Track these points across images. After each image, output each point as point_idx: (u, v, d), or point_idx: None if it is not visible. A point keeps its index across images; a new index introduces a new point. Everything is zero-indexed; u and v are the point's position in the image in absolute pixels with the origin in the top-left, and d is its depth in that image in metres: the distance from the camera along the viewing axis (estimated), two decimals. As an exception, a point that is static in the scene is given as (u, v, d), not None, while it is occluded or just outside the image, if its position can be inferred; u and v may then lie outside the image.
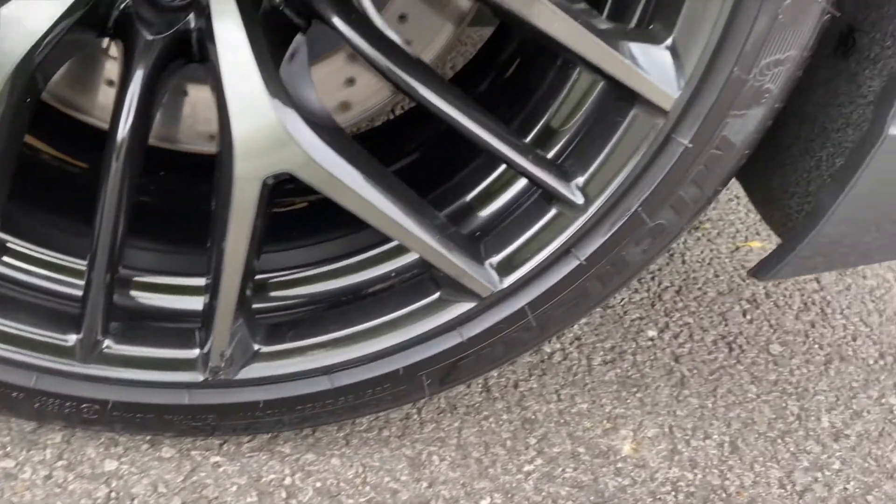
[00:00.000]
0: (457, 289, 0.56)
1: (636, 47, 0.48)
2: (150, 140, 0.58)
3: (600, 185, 0.53)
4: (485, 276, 0.55)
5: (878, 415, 0.79)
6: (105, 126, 0.60)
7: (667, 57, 0.48)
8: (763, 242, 1.05)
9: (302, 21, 0.53)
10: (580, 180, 0.53)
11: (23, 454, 0.64)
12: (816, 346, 0.90)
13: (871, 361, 0.88)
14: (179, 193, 0.69)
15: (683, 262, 0.97)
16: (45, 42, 0.49)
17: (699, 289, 0.94)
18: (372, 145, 0.62)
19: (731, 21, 0.46)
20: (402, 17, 0.63)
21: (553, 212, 0.55)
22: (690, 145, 0.51)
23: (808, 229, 0.59)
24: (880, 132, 0.54)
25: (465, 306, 0.57)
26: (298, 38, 0.53)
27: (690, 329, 0.88)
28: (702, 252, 1.00)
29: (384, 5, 0.61)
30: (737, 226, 1.08)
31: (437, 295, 0.57)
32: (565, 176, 0.54)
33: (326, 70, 0.63)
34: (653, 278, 0.94)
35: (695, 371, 0.82)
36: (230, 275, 0.53)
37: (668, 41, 0.48)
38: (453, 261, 0.55)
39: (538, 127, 0.61)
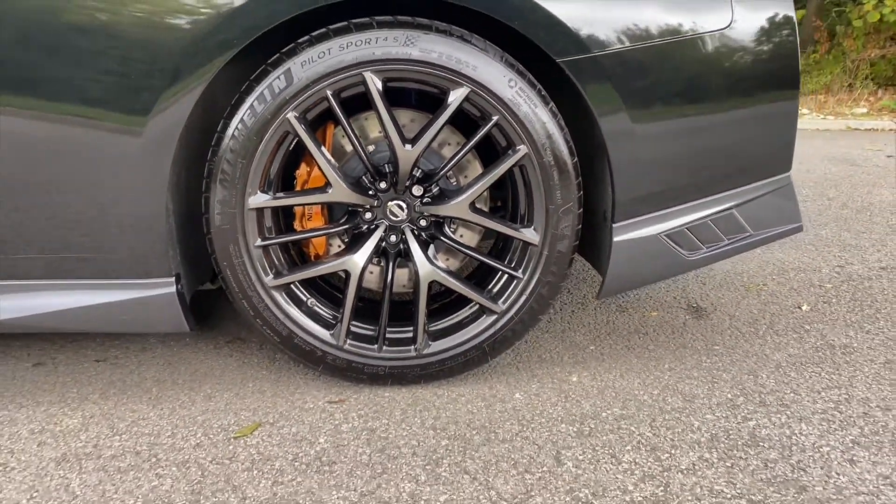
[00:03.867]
0: (489, 312, 1.75)
1: (526, 231, 1.70)
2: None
3: (530, 258, 1.73)
4: (496, 306, 1.74)
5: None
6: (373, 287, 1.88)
7: (531, 231, 1.70)
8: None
9: (429, 239, 1.79)
10: (531, 231, 1.74)
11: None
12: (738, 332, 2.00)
13: (796, 311, 1.98)
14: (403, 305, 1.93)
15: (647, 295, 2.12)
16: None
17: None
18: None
19: (545, 220, 1.68)
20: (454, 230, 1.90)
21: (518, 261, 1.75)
22: (546, 252, 1.70)
23: (602, 277, 1.76)
24: (611, 239, 1.71)
25: (493, 316, 1.75)
26: (432, 247, 1.79)
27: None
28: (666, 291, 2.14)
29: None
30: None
31: (484, 315, 1.76)
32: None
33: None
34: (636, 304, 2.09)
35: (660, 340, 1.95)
36: (421, 311, 1.75)
37: (534, 227, 1.70)
38: (486, 303, 1.74)
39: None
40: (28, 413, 1.70)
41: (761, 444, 1.51)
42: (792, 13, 1.69)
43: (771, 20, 1.67)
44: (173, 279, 1.66)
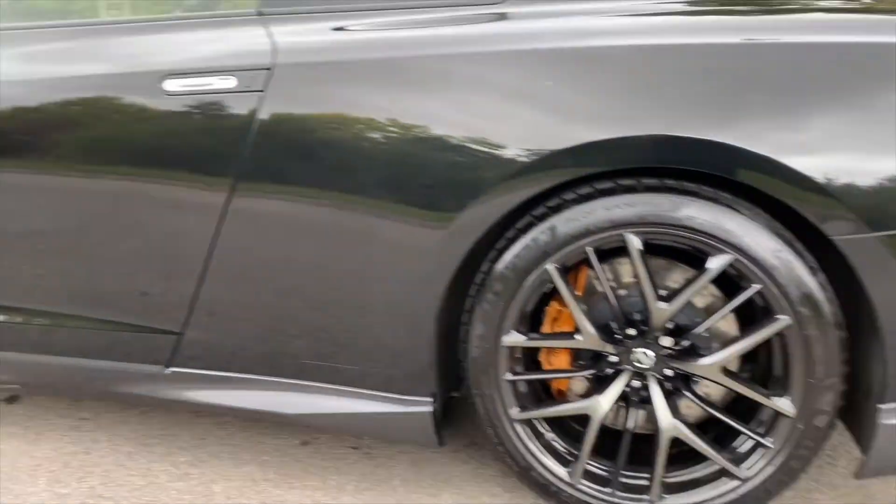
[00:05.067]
0: (730, 476, 1.70)
1: (780, 400, 1.64)
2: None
3: (782, 427, 1.66)
4: (739, 471, 1.69)
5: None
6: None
7: (785, 401, 1.63)
8: None
9: (672, 390, 1.79)
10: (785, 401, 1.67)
11: None
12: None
13: None
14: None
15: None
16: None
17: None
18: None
19: (803, 393, 1.61)
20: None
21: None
22: (802, 426, 1.62)
23: (862, 455, 1.63)
24: (876, 420, 1.59)
25: (736, 482, 1.70)
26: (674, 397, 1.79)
27: None
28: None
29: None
30: None
31: (724, 478, 1.72)
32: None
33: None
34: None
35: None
36: (660, 465, 1.75)
37: (790, 397, 1.63)
38: (730, 467, 1.70)
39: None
40: (297, 497, 1.95)
41: None
42: None
43: None
44: (430, 398, 1.83)
